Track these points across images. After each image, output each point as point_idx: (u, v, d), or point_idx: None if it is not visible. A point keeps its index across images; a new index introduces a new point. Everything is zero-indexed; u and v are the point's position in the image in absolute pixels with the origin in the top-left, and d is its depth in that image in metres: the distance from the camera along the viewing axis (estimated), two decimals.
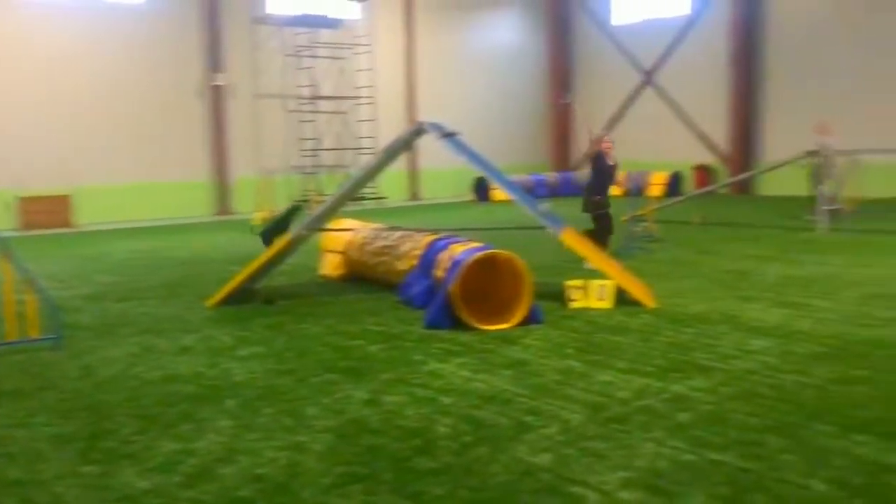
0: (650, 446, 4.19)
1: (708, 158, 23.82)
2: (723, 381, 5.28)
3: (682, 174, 23.15)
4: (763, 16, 22.39)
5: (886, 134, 18.77)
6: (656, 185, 21.61)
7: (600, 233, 10.11)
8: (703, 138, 23.88)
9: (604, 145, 10.26)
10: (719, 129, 23.43)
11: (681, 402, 4.88)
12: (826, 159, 14.00)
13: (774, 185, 20.92)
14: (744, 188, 22.47)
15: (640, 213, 13.50)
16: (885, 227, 13.64)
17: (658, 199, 17.88)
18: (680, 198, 17.84)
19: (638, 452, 4.11)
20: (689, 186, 22.99)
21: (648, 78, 25.12)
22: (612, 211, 10.35)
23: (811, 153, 14.32)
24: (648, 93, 25.16)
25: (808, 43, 21.41)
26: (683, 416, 4.63)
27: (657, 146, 23.96)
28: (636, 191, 17.74)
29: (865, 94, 20.10)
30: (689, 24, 24.00)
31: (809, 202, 15.02)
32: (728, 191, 21.97)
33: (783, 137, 20.93)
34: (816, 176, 14.70)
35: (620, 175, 22.89)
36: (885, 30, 19.82)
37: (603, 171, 10.19)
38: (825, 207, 13.39)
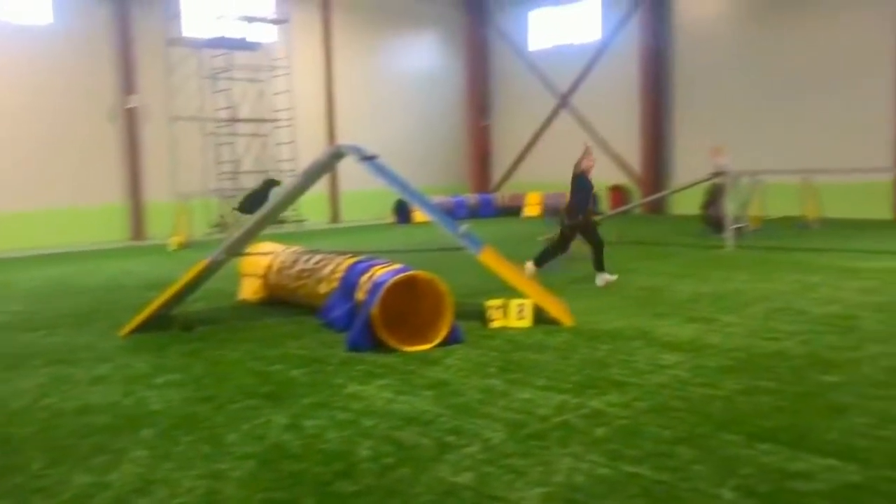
0: (568, 461, 4.29)
1: (622, 179, 24.50)
2: (637, 396, 5.45)
3: (599, 195, 23.70)
4: (669, 43, 23.25)
5: (784, 155, 19.74)
6: None
7: (560, 250, 10.40)
8: (618, 160, 24.55)
9: (585, 163, 10.42)
10: (633, 151, 24.14)
11: (597, 417, 5.02)
12: (731, 180, 14.59)
13: (685, 204, 21.63)
14: (656, 208, 23.18)
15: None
16: (785, 244, 14.28)
17: None
18: (596, 218, 18.24)
19: (556, 468, 4.21)
20: (605, 206, 23.59)
21: (564, 101, 25.73)
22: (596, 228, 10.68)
23: (716, 174, 14.94)
24: (564, 116, 25.75)
25: (711, 70, 22.32)
26: (600, 431, 4.76)
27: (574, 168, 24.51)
28: (553, 211, 18.05)
29: (764, 119, 21.05)
30: (600, 51, 24.71)
31: (701, 221, 16.17)
32: (642, 210, 22.64)
33: (692, 159, 21.69)
34: (714, 196, 15.61)
35: (537, 197, 23.53)
36: (780, 58, 20.81)
37: (585, 190, 10.40)
38: (733, 226, 13.93)
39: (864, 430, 4.64)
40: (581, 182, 10.32)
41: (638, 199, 22.29)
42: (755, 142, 20.60)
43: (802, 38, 20.41)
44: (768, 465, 4.18)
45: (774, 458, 4.26)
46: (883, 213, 18.98)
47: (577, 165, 10.35)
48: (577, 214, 10.29)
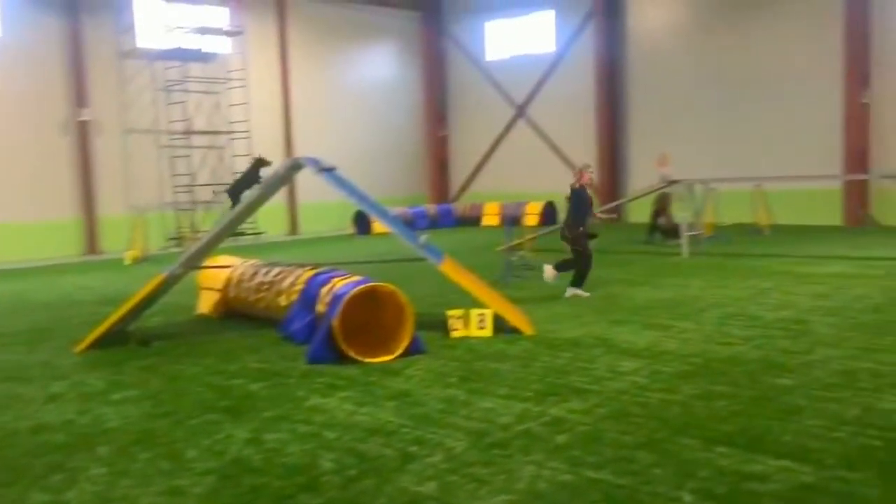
0: (530, 469, 4.33)
1: None
2: (597, 403, 5.51)
3: (556, 204, 23.91)
4: (622, 54, 23.59)
5: (736, 163, 20.15)
6: (531, 214, 22.24)
7: (579, 261, 10.44)
8: (575, 169, 24.77)
9: (585, 177, 10.57)
10: (589, 160, 24.27)
11: (559, 425, 5.07)
12: (683, 188, 14.85)
13: (641, 212, 21.92)
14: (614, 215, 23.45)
15: (516, 242, 13.87)
16: (738, 250, 14.56)
17: (533, 228, 18.44)
18: (554, 227, 18.40)
19: (519, 475, 4.24)
20: (563, 215, 23.77)
21: (521, 111, 25.93)
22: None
23: (672, 182, 15.19)
24: (521, 125, 25.94)
25: (664, 79, 22.68)
26: (561, 438, 4.81)
27: (531, 177, 24.71)
28: (512, 221, 18.16)
29: (716, 127, 21.45)
30: (555, 61, 24.97)
31: (650, 229, 16.65)
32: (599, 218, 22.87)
33: (647, 168, 21.98)
34: (662, 205, 16.15)
35: (496, 207, 23.64)
36: (731, 67, 21.24)
37: (584, 203, 10.52)
38: (688, 233, 14.16)
39: (817, 432, 4.76)
40: (580, 195, 10.53)
41: (596, 208, 22.53)
42: (708, 150, 20.98)
43: (753, 47, 20.86)
44: (725, 467, 4.26)
45: (731, 461, 4.34)
46: (832, 220, 19.44)
47: (577, 180, 10.56)
48: (577, 227, 10.45)
